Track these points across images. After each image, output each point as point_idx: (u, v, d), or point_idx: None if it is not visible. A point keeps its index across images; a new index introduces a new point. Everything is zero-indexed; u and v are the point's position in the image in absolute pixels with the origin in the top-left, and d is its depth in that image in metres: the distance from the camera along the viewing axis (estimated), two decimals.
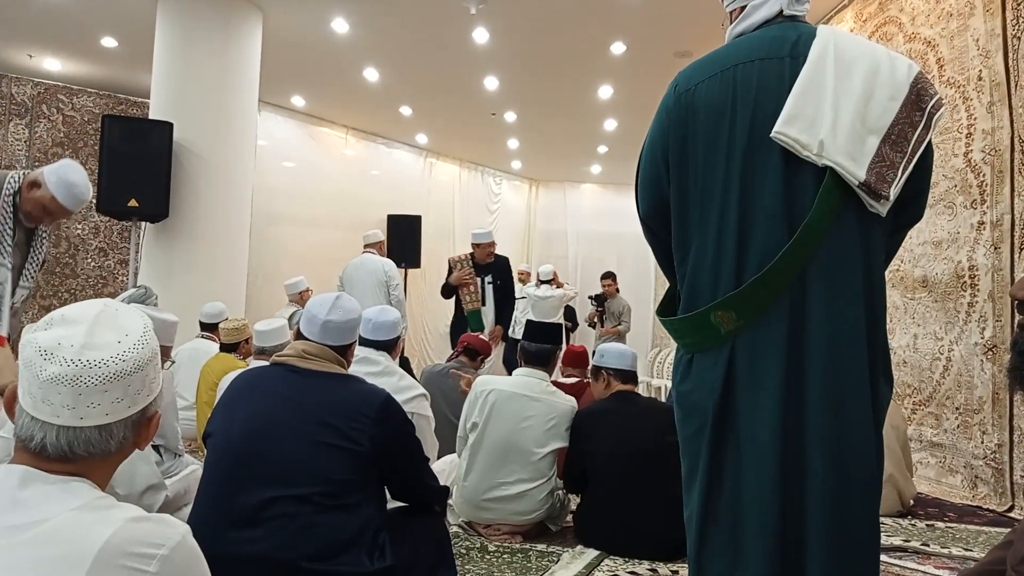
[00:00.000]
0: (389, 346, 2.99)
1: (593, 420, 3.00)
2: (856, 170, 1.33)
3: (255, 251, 6.83)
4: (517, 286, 7.13)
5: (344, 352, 2.03)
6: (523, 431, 2.97)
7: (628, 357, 3.15)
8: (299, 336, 2.01)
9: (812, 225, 1.34)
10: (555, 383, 3.87)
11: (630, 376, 3.16)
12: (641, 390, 4.40)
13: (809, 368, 1.34)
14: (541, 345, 3.17)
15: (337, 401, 1.80)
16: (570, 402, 3.11)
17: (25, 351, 0.98)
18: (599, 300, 7.61)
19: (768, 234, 1.37)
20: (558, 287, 7.84)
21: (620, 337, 7.61)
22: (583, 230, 12.15)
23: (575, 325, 8.97)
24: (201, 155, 5.59)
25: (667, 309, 1.59)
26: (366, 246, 6.21)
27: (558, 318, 7.89)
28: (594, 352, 3.33)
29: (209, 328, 4.96)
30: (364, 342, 2.98)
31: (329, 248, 8.45)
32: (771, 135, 1.36)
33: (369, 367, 2.90)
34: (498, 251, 6.25)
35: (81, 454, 0.97)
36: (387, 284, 5.94)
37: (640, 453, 2.83)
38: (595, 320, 8.02)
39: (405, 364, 7.14)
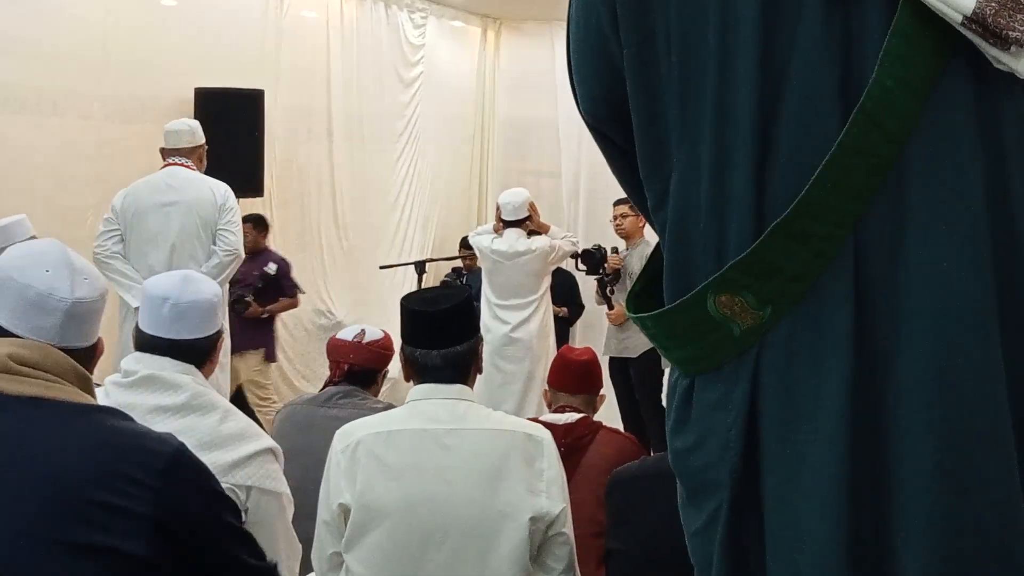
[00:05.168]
0: (202, 353, 2.23)
1: (627, 493, 2.34)
2: None
3: None
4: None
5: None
6: (437, 500, 1.98)
7: None
8: (4, 333, 1.50)
9: (872, 106, 0.83)
10: (540, 422, 2.64)
11: None
12: None
13: (890, 390, 0.87)
14: (446, 349, 2.07)
15: (83, 460, 1.33)
16: (524, 426, 2.11)
17: None
18: (592, 260, 4.89)
19: (810, 129, 0.87)
20: (537, 233, 4.94)
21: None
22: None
23: (580, 307, 5.89)
24: None
25: (647, 294, 1.08)
26: (168, 153, 4.53)
27: (542, 290, 5.06)
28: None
29: None
30: (152, 345, 2.17)
31: (81, 157, 5.51)
32: None
33: (162, 396, 2.15)
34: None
35: None
36: (216, 227, 4.43)
37: None
38: (599, 292, 5.17)
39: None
